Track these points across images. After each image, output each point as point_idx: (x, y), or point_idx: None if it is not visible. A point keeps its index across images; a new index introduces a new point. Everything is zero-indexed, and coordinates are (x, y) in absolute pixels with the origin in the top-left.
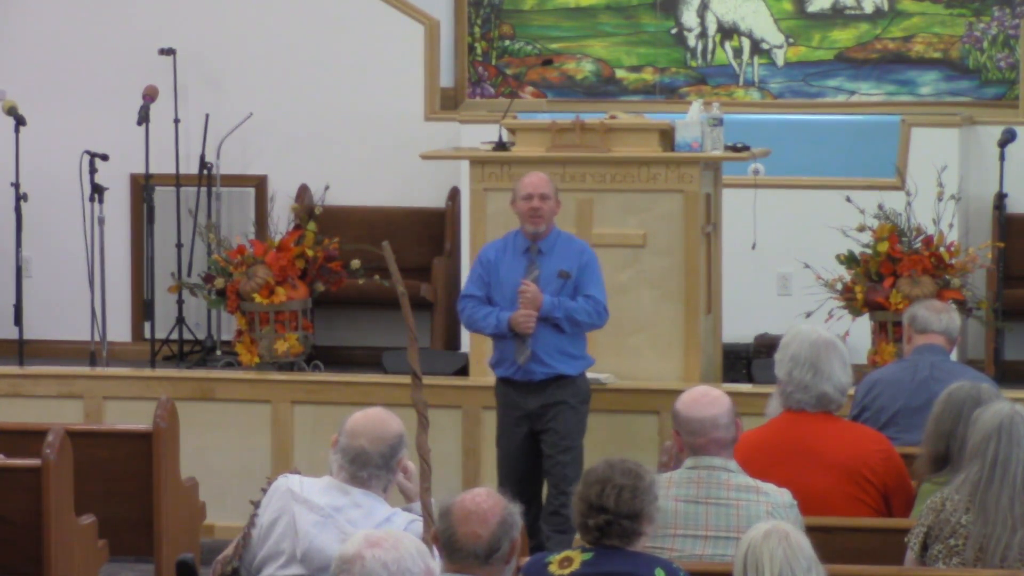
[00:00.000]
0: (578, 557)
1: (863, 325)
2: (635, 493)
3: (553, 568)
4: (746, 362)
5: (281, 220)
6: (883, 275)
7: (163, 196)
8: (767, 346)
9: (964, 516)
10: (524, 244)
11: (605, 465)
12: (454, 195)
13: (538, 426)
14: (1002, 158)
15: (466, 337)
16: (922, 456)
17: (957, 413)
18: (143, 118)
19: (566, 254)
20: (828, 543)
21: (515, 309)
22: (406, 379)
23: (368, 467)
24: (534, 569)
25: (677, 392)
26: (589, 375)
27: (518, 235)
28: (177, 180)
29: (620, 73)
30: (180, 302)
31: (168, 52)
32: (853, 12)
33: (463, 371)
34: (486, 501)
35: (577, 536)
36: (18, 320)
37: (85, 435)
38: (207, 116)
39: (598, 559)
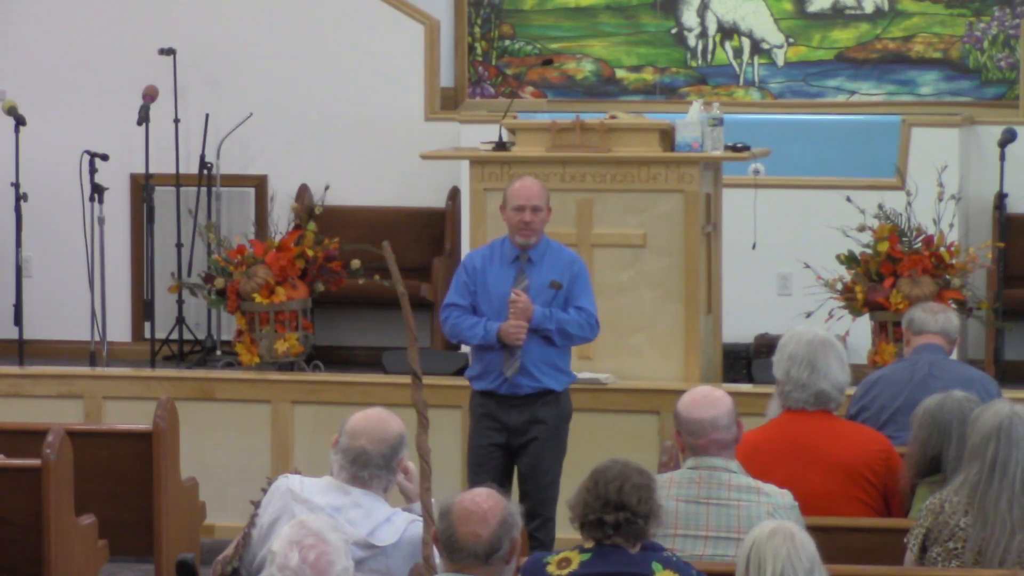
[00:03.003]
0: (576, 558)
1: (863, 325)
2: (651, 494)
3: (551, 568)
4: (746, 362)
5: (281, 220)
6: (883, 275)
7: (163, 196)
8: (767, 346)
9: (963, 519)
10: (513, 253)
11: (619, 464)
12: (454, 195)
13: (516, 442)
14: (1002, 158)
15: None
16: (908, 465)
17: (944, 432)
18: (143, 118)
19: (556, 264)
20: (828, 543)
21: (503, 319)
22: (406, 379)
23: (369, 467)
24: (532, 569)
25: (677, 392)
26: (589, 375)
27: (505, 242)
28: (177, 180)
29: (620, 73)
30: (180, 302)
31: (168, 52)
32: (853, 12)
33: (463, 371)
34: (486, 501)
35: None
36: (18, 320)
37: (85, 435)
38: (207, 116)
39: (596, 559)
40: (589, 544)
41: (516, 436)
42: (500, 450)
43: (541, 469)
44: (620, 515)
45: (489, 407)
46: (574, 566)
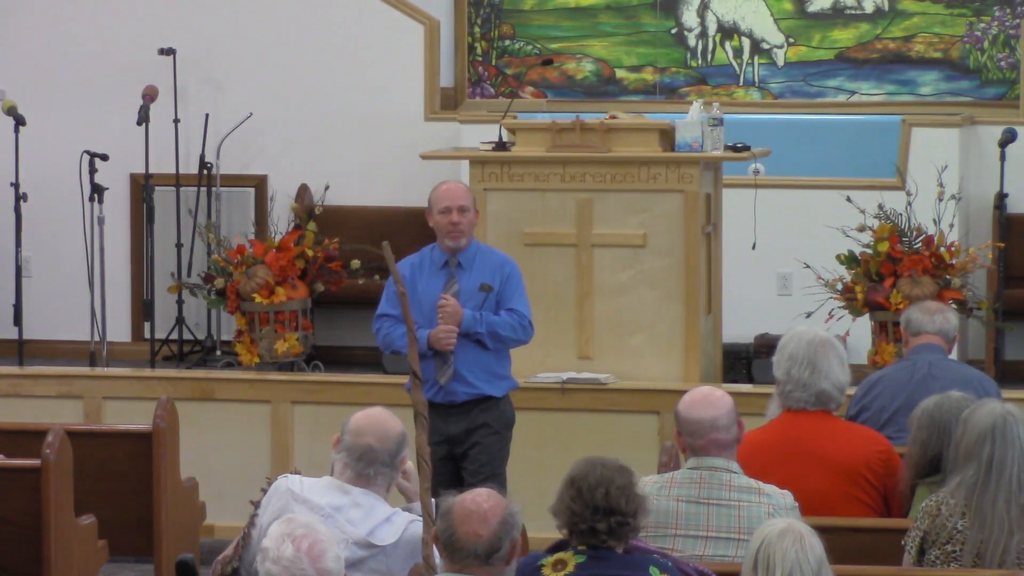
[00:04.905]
0: (572, 560)
1: (863, 325)
2: (634, 489)
3: (546, 571)
4: (746, 362)
5: (281, 220)
6: (883, 275)
7: (163, 196)
8: (767, 346)
9: (960, 521)
10: (442, 258)
11: (597, 467)
12: None
13: (458, 450)
14: (1002, 158)
15: None
16: (907, 466)
17: (944, 431)
18: (143, 118)
19: (487, 267)
20: (828, 543)
21: (435, 326)
22: (406, 379)
23: (375, 464)
24: (527, 572)
25: (677, 392)
26: (589, 375)
27: (435, 249)
28: (177, 180)
29: (620, 73)
30: (180, 302)
31: (168, 52)
32: (853, 12)
33: None
34: (486, 501)
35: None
36: (18, 320)
37: (85, 435)
38: (207, 116)
39: (592, 561)
40: (582, 546)
41: (458, 445)
42: (445, 463)
43: (485, 473)
44: (612, 520)
45: (429, 418)
46: (570, 568)
